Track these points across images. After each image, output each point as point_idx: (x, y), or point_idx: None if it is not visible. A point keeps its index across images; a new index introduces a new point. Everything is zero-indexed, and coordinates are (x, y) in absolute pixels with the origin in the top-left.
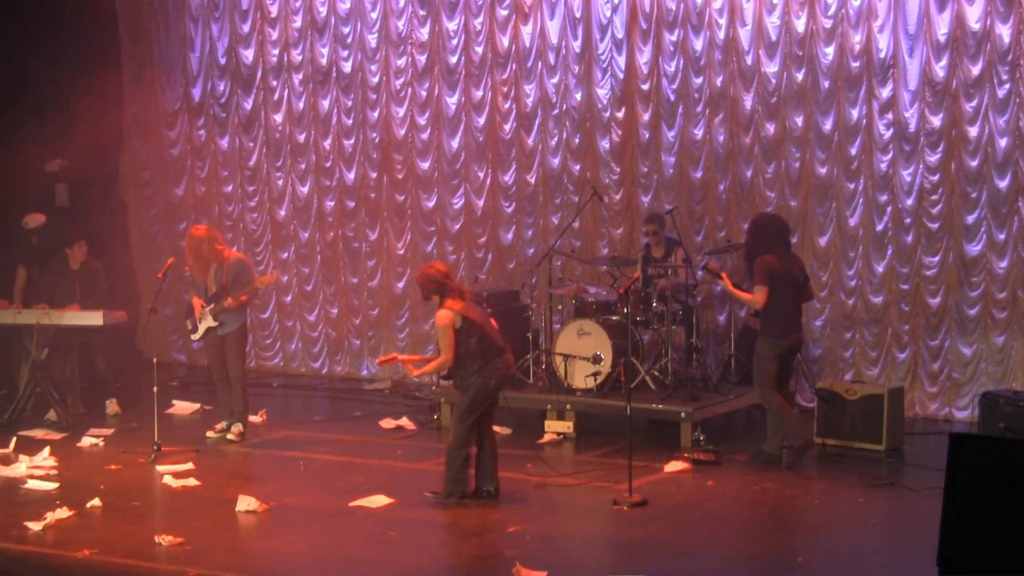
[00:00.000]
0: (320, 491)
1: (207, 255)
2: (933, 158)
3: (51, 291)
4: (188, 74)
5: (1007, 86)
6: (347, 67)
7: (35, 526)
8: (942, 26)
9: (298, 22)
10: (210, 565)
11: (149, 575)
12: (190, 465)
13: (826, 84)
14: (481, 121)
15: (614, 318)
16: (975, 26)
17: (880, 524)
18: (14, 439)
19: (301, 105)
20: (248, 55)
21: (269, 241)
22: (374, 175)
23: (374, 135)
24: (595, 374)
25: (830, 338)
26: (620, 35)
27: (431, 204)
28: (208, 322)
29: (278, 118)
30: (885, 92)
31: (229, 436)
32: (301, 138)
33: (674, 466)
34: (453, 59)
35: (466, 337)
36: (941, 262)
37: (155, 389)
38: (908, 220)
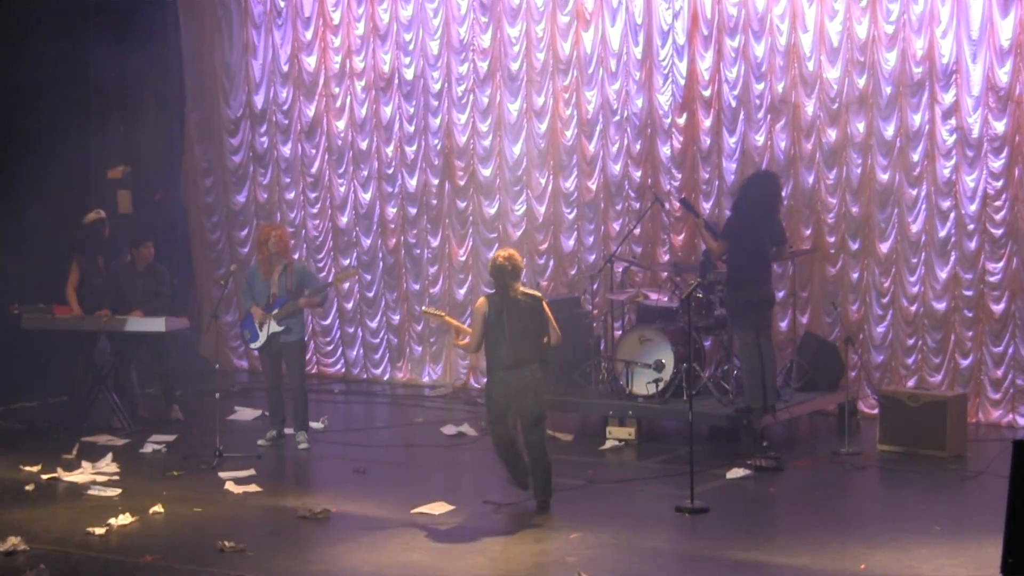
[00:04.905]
0: (381, 497)
1: (273, 257)
2: (996, 164)
3: (115, 293)
4: (251, 81)
5: None
6: (409, 74)
7: (98, 531)
8: (1005, 31)
9: (360, 29)
10: (271, 571)
11: None
12: (252, 471)
13: (888, 90)
14: (542, 127)
15: (676, 324)
16: None
17: (943, 531)
18: (77, 445)
19: (363, 112)
20: (310, 62)
21: (331, 248)
22: (436, 181)
23: (436, 141)
24: (657, 380)
25: (892, 345)
26: (681, 41)
27: (492, 211)
28: (273, 327)
29: (340, 125)
30: (948, 98)
31: (302, 446)
32: (363, 145)
33: (736, 473)
34: (515, 65)
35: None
36: (1005, 268)
37: (217, 395)
38: (971, 226)
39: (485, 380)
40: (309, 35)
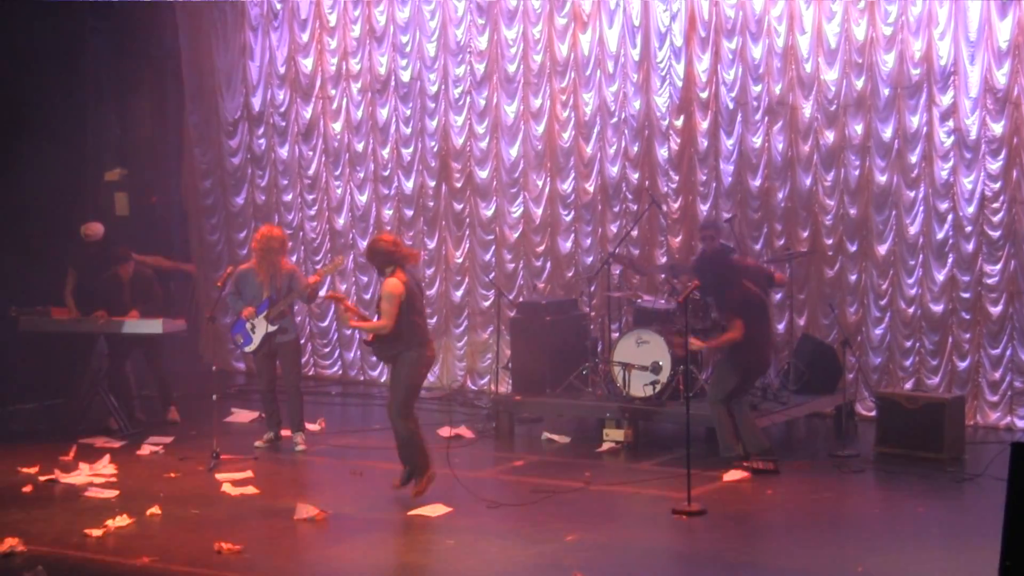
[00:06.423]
0: (378, 500)
1: (273, 260)
2: (994, 166)
3: (105, 300)
4: (248, 83)
5: None
6: (405, 76)
7: (95, 533)
8: (1004, 32)
9: (356, 31)
10: (269, 573)
11: None
12: (249, 473)
13: (886, 91)
14: (540, 129)
15: (673, 327)
16: None
17: (941, 533)
18: (74, 447)
19: (359, 114)
20: (307, 64)
21: (328, 249)
22: (432, 183)
23: (432, 143)
24: (653, 383)
25: (890, 347)
26: (679, 43)
27: (489, 212)
28: (266, 328)
29: (337, 127)
30: (946, 100)
31: (299, 447)
32: (359, 147)
33: (733, 475)
34: (512, 67)
35: (407, 313)
36: (1002, 270)
37: (214, 397)
38: (969, 228)
39: (410, 354)
40: (306, 37)
